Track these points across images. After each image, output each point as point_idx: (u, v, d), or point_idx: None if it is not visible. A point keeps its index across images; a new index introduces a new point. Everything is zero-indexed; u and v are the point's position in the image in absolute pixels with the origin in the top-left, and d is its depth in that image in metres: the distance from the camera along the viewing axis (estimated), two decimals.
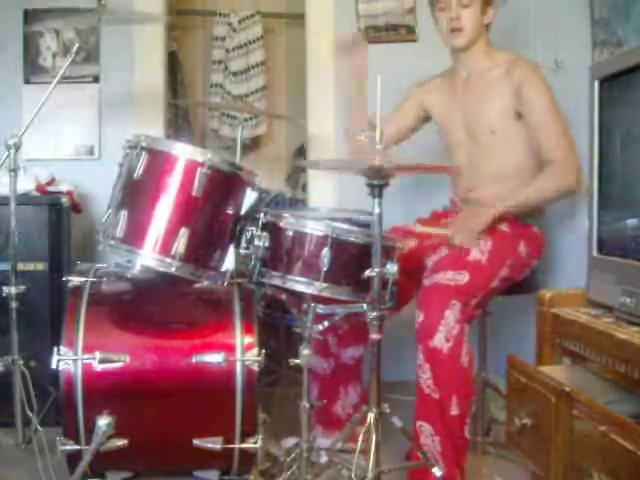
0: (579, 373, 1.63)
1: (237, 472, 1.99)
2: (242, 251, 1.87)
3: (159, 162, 1.83)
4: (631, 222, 1.53)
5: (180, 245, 1.79)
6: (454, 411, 1.98)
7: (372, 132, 1.70)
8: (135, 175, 1.82)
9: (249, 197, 1.90)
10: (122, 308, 2.03)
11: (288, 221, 1.82)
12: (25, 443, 2.25)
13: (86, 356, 1.84)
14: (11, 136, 2.16)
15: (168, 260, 1.80)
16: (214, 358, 1.87)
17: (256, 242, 1.83)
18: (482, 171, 2.31)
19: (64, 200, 2.61)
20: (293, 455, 1.95)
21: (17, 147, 2.16)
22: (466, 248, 2.11)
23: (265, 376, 2.58)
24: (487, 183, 2.30)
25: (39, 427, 2.14)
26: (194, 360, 1.88)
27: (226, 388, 1.89)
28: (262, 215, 1.86)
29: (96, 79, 3.11)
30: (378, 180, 1.71)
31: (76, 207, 2.72)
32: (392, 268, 1.78)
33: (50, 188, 2.65)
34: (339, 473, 1.91)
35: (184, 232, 1.80)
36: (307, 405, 1.88)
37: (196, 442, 1.88)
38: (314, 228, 1.80)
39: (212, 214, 1.85)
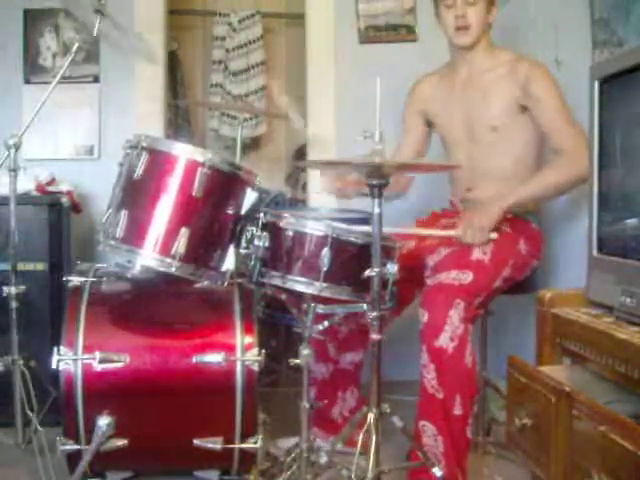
0: (579, 373, 1.63)
1: (237, 472, 2.00)
2: (242, 251, 1.87)
3: (159, 162, 1.83)
4: (631, 222, 1.53)
5: (180, 245, 1.79)
6: (457, 411, 1.98)
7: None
8: (135, 175, 1.82)
9: (249, 197, 1.90)
10: (122, 308, 2.03)
11: (288, 221, 1.82)
12: (25, 443, 2.25)
13: (86, 356, 1.84)
14: (11, 136, 2.15)
15: (168, 260, 1.79)
16: (214, 358, 1.88)
17: (256, 242, 1.83)
18: (481, 170, 2.32)
19: (64, 200, 2.61)
20: (293, 455, 1.95)
21: (17, 147, 2.16)
22: (468, 248, 2.11)
23: (265, 376, 2.59)
24: (486, 182, 2.30)
25: (39, 427, 2.14)
26: (194, 360, 1.88)
27: (226, 388, 1.89)
28: (262, 215, 1.85)
29: (96, 79, 3.11)
30: (378, 180, 1.71)
31: (76, 207, 2.72)
32: (392, 268, 1.78)
33: (50, 188, 2.65)
34: (339, 473, 1.90)
35: (184, 232, 1.80)
36: (307, 405, 1.88)
37: (196, 442, 1.88)
38: (314, 228, 1.80)
39: (212, 214, 1.85)
